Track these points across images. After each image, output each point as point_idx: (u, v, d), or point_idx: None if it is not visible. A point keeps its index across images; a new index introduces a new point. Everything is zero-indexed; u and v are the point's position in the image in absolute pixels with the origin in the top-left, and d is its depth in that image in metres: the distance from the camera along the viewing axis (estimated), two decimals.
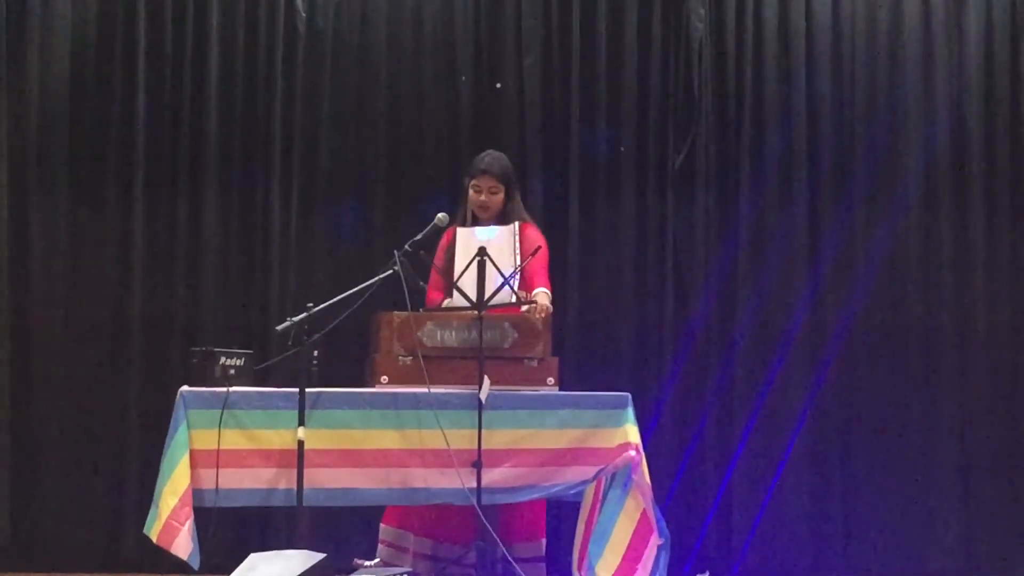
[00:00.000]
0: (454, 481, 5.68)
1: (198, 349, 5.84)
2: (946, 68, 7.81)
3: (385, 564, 6.03)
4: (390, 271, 5.87)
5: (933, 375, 7.68)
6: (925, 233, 7.75)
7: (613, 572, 5.69)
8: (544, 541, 6.28)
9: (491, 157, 6.45)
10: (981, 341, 7.71)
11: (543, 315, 6.00)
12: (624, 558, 5.71)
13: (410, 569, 5.80)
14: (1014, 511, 7.61)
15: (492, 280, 5.84)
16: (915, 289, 7.73)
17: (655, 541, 5.76)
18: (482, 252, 5.84)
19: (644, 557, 5.72)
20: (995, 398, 7.69)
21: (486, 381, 5.73)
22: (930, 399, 7.67)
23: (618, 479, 5.80)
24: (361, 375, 6.17)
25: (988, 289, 7.73)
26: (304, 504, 5.58)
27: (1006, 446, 7.67)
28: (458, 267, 5.97)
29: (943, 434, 7.65)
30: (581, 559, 5.79)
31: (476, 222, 6.35)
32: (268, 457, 5.65)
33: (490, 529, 5.73)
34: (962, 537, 7.59)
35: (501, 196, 6.38)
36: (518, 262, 6.03)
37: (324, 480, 5.65)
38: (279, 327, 5.72)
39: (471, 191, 6.39)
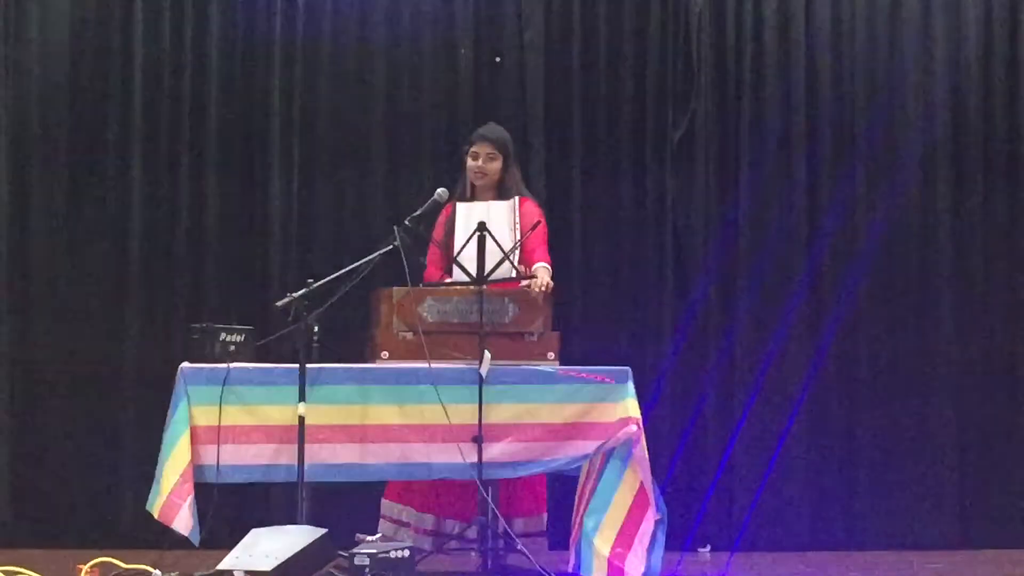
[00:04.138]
0: (455, 456, 5.69)
1: (198, 325, 5.84)
2: (945, 40, 7.79)
3: (386, 539, 6.03)
4: (390, 246, 5.87)
5: (931, 350, 7.69)
6: (924, 208, 7.76)
7: (611, 545, 5.71)
8: (545, 516, 6.30)
9: (489, 126, 6.46)
10: (979, 317, 7.72)
11: (543, 290, 6.00)
12: (621, 531, 5.73)
13: (411, 544, 5.80)
14: (1009, 484, 7.65)
15: (492, 255, 5.84)
16: (913, 265, 7.75)
17: (652, 516, 5.77)
18: (482, 227, 5.84)
19: (641, 531, 5.74)
20: (991, 372, 7.71)
21: (487, 356, 5.74)
22: (928, 374, 7.69)
23: (618, 452, 5.81)
24: (361, 351, 6.17)
25: (985, 267, 7.75)
26: (305, 480, 5.59)
27: (1001, 420, 7.70)
28: (458, 242, 5.97)
29: (940, 408, 7.67)
30: (575, 531, 5.81)
31: (475, 197, 6.34)
32: (269, 433, 5.66)
33: (491, 504, 5.75)
34: (958, 509, 7.62)
35: (498, 164, 6.36)
36: (518, 237, 6.03)
37: (325, 456, 5.67)
38: (279, 303, 5.72)
39: (468, 159, 6.37)
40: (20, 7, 7.40)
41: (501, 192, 6.31)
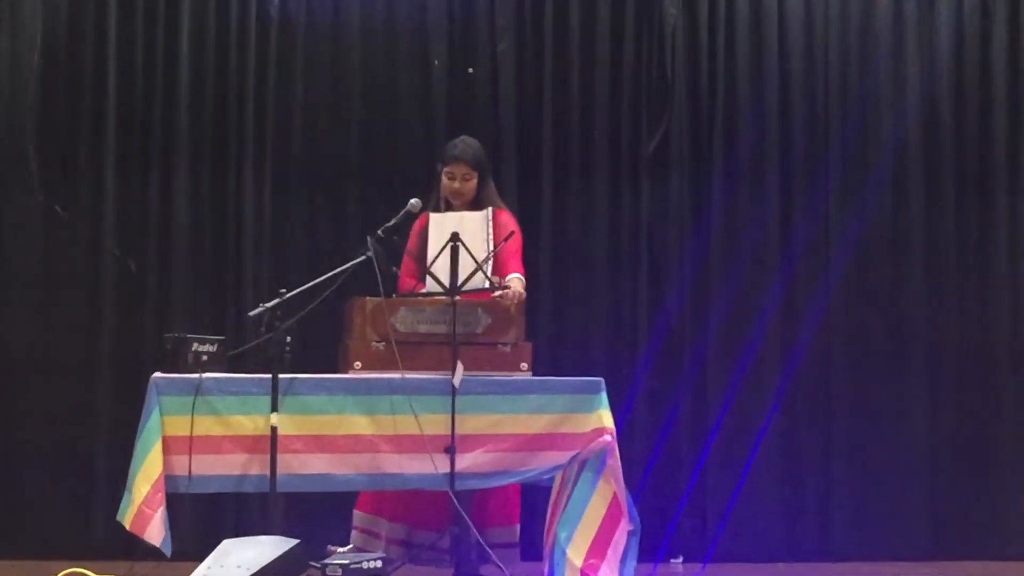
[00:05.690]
0: (427, 467, 5.68)
1: (170, 335, 5.81)
2: (917, 54, 7.84)
3: (358, 550, 6.02)
4: (363, 257, 5.86)
5: (904, 361, 7.73)
6: (896, 218, 7.80)
7: (584, 555, 5.70)
8: (518, 526, 6.28)
9: (464, 144, 6.41)
10: (951, 327, 7.77)
11: (516, 300, 6.00)
12: (594, 542, 5.72)
13: (383, 555, 5.79)
14: (979, 495, 7.69)
15: (465, 266, 5.84)
16: (886, 275, 7.78)
17: (625, 526, 5.77)
18: (455, 238, 5.84)
19: (614, 541, 5.73)
20: (963, 385, 7.76)
21: (459, 366, 5.73)
22: (902, 385, 7.72)
23: (591, 463, 5.80)
24: (334, 361, 6.16)
25: (957, 276, 7.80)
26: (277, 490, 5.57)
27: (972, 432, 7.74)
28: (431, 253, 5.96)
29: (915, 418, 7.71)
30: (548, 542, 5.80)
31: (449, 208, 6.33)
32: (241, 443, 5.63)
33: (464, 515, 5.74)
34: (931, 520, 7.64)
35: (474, 183, 6.36)
36: (491, 247, 6.02)
37: (297, 466, 5.64)
38: (252, 313, 5.70)
39: (444, 178, 6.36)
40: None
41: (476, 206, 6.29)
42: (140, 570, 5.83)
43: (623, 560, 5.79)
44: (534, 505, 6.39)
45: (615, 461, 5.81)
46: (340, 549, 5.99)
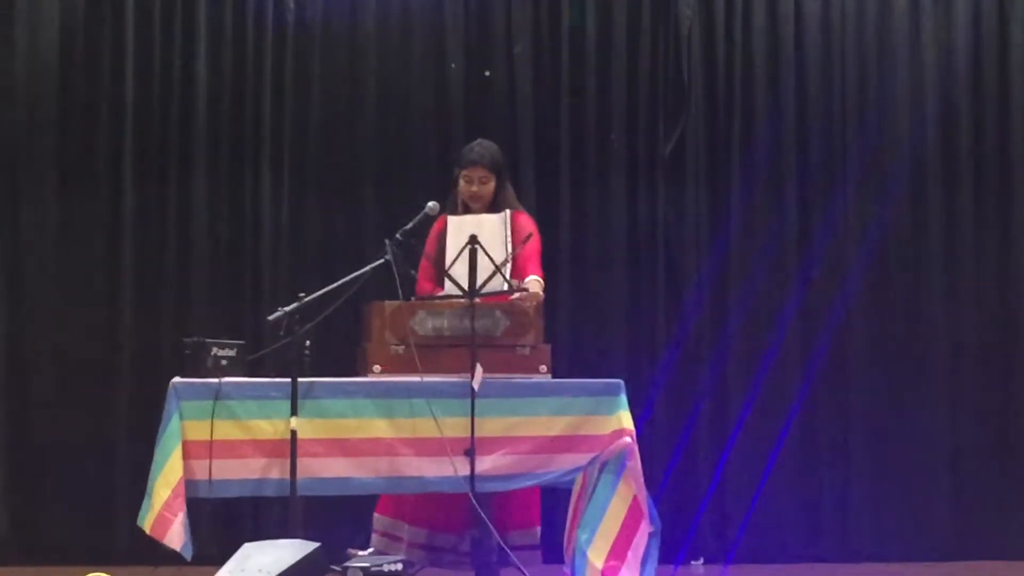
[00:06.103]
0: (447, 469, 5.67)
1: (190, 340, 5.82)
2: (935, 54, 7.83)
3: (379, 554, 6.01)
4: (381, 260, 5.86)
5: (925, 362, 7.71)
6: (915, 218, 7.78)
7: (604, 557, 5.70)
8: (539, 529, 6.27)
9: (481, 147, 6.40)
10: (971, 329, 7.75)
11: (535, 303, 5.99)
12: (615, 543, 5.72)
13: (404, 558, 5.79)
14: (1001, 495, 7.67)
15: (483, 268, 5.83)
16: (906, 276, 7.76)
17: (646, 528, 5.76)
18: (473, 240, 5.83)
19: (635, 543, 5.73)
20: (984, 385, 7.75)
21: (479, 369, 5.73)
22: (921, 386, 7.71)
23: (611, 465, 5.80)
24: (353, 364, 6.16)
25: (976, 275, 7.77)
26: (297, 494, 5.58)
27: (994, 432, 7.72)
28: (449, 256, 5.96)
29: (934, 420, 7.69)
30: (569, 544, 5.80)
31: (467, 211, 6.33)
32: (261, 447, 5.64)
33: (484, 517, 5.73)
34: (952, 521, 7.62)
35: (492, 186, 6.35)
36: (510, 250, 6.01)
37: (317, 469, 5.65)
38: (271, 317, 5.71)
39: (462, 182, 6.35)
40: (8, 12, 7.39)
41: (494, 209, 6.28)
42: (161, 574, 5.83)
43: (644, 562, 5.78)
44: (555, 507, 6.38)
45: (635, 463, 5.80)
46: (360, 552, 5.99)
